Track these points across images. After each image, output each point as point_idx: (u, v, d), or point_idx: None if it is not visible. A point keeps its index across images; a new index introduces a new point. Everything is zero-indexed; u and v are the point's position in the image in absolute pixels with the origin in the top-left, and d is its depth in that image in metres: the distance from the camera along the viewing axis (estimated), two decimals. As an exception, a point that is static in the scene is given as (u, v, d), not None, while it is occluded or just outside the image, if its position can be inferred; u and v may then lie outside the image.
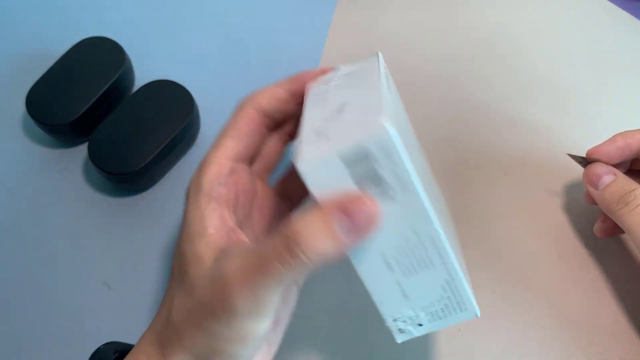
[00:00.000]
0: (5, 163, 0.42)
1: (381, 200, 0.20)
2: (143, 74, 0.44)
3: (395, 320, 0.25)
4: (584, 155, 0.35)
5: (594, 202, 0.34)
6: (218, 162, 0.25)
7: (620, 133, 0.34)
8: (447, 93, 0.44)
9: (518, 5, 0.49)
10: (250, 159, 0.28)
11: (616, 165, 0.34)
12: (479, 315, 0.25)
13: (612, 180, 0.32)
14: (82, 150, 0.42)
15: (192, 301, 0.22)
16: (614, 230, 0.34)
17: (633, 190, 0.31)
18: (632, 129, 0.34)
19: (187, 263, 0.23)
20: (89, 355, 0.35)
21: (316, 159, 0.20)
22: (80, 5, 0.49)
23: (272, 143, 0.30)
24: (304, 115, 0.23)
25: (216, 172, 0.25)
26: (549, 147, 0.41)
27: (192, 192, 0.25)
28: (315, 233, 0.19)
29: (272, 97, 0.27)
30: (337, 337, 0.34)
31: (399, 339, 0.26)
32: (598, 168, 0.33)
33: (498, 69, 0.46)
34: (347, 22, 0.49)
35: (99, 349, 0.28)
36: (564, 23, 0.48)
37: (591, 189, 0.33)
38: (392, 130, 0.19)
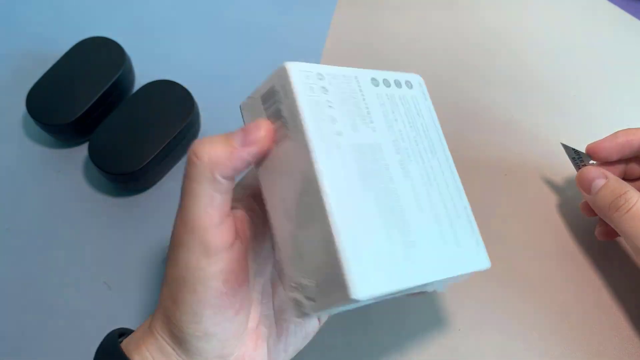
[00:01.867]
0: (6, 163, 0.42)
1: (280, 136, 0.22)
2: (143, 74, 0.44)
3: (292, 288, 0.21)
4: (576, 148, 0.35)
5: (591, 213, 0.34)
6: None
7: (622, 130, 0.34)
8: (446, 93, 0.44)
9: (518, 5, 0.49)
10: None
11: (614, 163, 0.34)
12: (359, 298, 0.18)
13: (603, 184, 0.32)
14: (82, 150, 0.42)
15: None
16: (615, 232, 0.34)
17: (623, 194, 0.30)
18: (634, 127, 0.34)
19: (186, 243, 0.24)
20: (88, 355, 0.35)
21: (247, 100, 0.24)
22: (81, 5, 0.49)
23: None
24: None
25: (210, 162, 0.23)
26: (549, 147, 0.41)
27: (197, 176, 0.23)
28: (213, 142, 0.23)
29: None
30: (335, 335, 0.34)
31: (293, 314, 0.22)
32: (589, 172, 0.33)
33: (498, 68, 0.46)
34: (347, 22, 0.49)
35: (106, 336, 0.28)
36: (564, 23, 0.48)
37: (585, 194, 0.33)
38: (293, 70, 0.21)
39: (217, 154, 0.22)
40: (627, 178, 0.35)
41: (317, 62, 0.46)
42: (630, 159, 0.35)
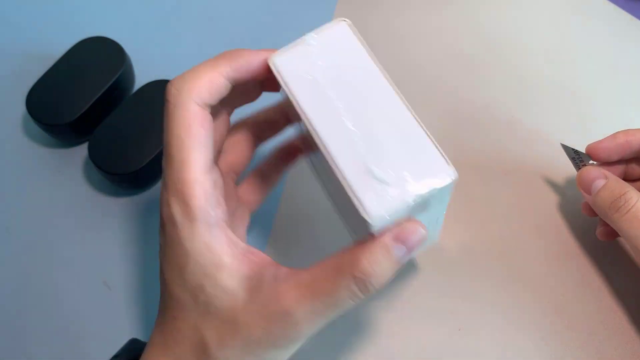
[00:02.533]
0: (6, 163, 0.42)
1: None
2: (143, 74, 0.44)
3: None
4: (576, 149, 0.35)
5: (592, 213, 0.34)
6: (199, 181, 0.23)
7: (622, 130, 0.33)
8: (446, 93, 0.44)
9: (518, 5, 0.49)
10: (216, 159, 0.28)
11: (614, 163, 0.34)
12: (377, 225, 0.22)
13: (603, 185, 0.31)
14: (82, 150, 0.42)
15: (243, 339, 0.22)
16: (615, 233, 0.34)
17: (623, 195, 0.30)
18: (633, 128, 0.34)
19: (214, 297, 0.22)
20: (88, 355, 0.35)
21: (387, 210, 0.22)
22: (81, 5, 0.49)
23: (233, 137, 0.30)
24: (323, 139, 0.23)
25: (202, 194, 0.23)
26: (549, 146, 0.41)
27: (181, 221, 0.22)
28: (383, 270, 0.22)
29: (213, 88, 0.24)
30: (335, 335, 0.34)
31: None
32: (589, 172, 0.32)
33: (497, 68, 0.46)
34: (347, 22, 0.48)
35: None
36: (564, 23, 0.48)
37: (585, 195, 0.33)
38: (454, 176, 0.23)
39: (389, 277, 0.22)
40: (627, 178, 0.35)
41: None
42: (630, 159, 0.35)
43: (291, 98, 0.23)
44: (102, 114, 0.41)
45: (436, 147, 0.23)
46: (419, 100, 0.44)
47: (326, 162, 0.23)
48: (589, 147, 0.34)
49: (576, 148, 0.35)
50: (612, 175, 0.32)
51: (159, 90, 0.41)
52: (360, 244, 0.22)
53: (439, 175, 0.22)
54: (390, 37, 0.48)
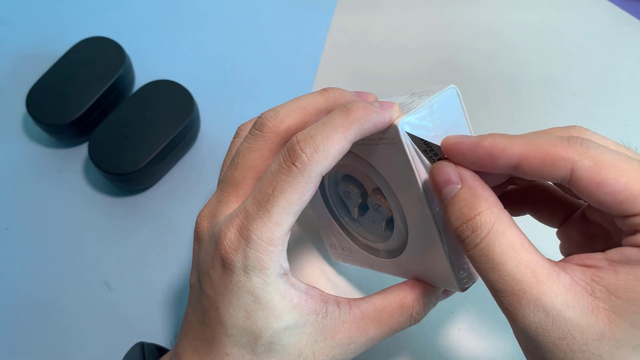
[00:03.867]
0: (6, 163, 0.42)
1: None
2: (143, 74, 0.44)
3: None
4: (425, 139, 0.23)
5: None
6: (282, 240, 0.23)
7: (496, 135, 0.21)
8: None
9: (518, 4, 0.49)
10: None
11: (491, 176, 0.23)
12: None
13: (453, 195, 0.21)
14: (82, 150, 0.42)
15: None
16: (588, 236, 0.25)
17: (474, 217, 0.20)
18: (627, 131, 0.28)
19: (282, 336, 0.24)
20: (88, 355, 0.35)
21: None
22: (81, 5, 0.49)
23: None
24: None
25: (280, 250, 0.23)
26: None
27: (254, 272, 0.23)
28: (428, 312, 0.27)
29: (338, 158, 0.23)
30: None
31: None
32: (442, 170, 0.22)
33: (498, 68, 0.46)
34: (347, 22, 0.49)
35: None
36: (564, 23, 0.48)
37: (437, 198, 0.23)
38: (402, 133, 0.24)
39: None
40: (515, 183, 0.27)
41: (317, 61, 0.46)
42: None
43: (413, 166, 0.23)
44: (102, 114, 0.41)
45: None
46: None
47: (422, 230, 0.25)
48: (444, 141, 0.23)
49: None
50: (470, 179, 0.22)
51: (159, 90, 0.41)
52: (416, 286, 0.27)
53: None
54: (389, 37, 0.48)
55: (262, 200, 0.22)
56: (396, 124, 0.23)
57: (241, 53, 0.47)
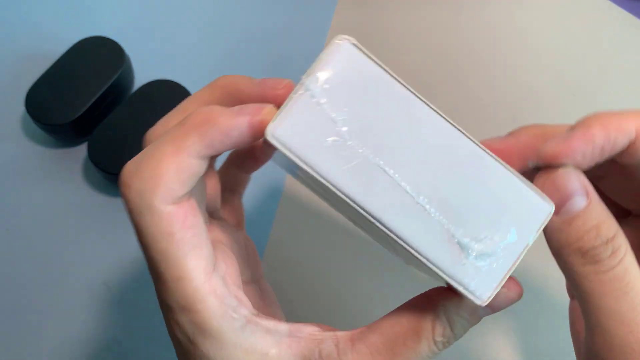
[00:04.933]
0: (5, 163, 0.42)
1: None
2: (143, 74, 0.44)
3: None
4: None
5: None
6: (205, 292, 0.19)
7: (595, 117, 0.19)
8: (447, 93, 0.44)
9: (518, 4, 0.49)
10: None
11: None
12: None
13: (583, 208, 0.19)
14: (81, 150, 0.42)
15: None
16: None
17: (611, 240, 0.19)
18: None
19: None
20: (89, 355, 0.35)
21: (494, 282, 0.18)
22: (80, 4, 0.49)
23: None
24: (382, 219, 0.18)
25: (215, 304, 0.19)
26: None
27: (202, 341, 0.19)
28: (466, 331, 0.20)
29: (183, 176, 0.18)
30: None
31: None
32: (568, 180, 0.19)
33: (498, 68, 0.45)
34: (347, 22, 0.48)
35: None
36: (564, 22, 0.48)
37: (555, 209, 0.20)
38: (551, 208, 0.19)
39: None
40: None
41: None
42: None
43: (318, 178, 0.17)
44: (102, 114, 0.41)
45: (519, 178, 0.18)
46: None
47: (387, 236, 0.18)
48: (549, 150, 0.20)
49: None
50: (596, 196, 0.19)
51: (158, 90, 0.41)
52: (437, 297, 0.20)
53: (535, 214, 0.18)
54: (390, 37, 0.47)
55: (148, 263, 0.19)
56: (265, 133, 0.17)
57: (241, 53, 0.47)
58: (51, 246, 0.38)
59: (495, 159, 0.18)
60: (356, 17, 0.49)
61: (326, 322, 0.21)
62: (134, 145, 0.38)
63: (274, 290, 0.26)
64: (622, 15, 0.48)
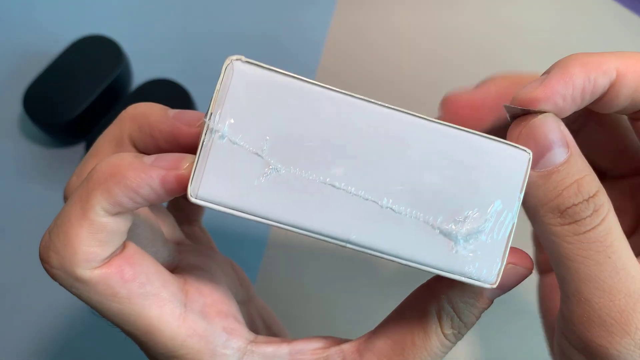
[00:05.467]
0: (2, 162, 0.41)
1: None
2: (141, 73, 0.44)
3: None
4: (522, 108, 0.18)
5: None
6: (182, 336, 0.18)
7: (573, 57, 0.18)
8: (447, 92, 0.44)
9: (520, 4, 0.49)
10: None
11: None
12: None
13: (563, 161, 0.17)
14: (79, 150, 0.42)
15: None
16: None
17: (593, 197, 0.17)
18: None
19: None
20: (88, 355, 0.35)
21: (496, 264, 0.16)
22: (78, 3, 0.49)
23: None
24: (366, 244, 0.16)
25: (201, 342, 0.18)
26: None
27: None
28: (477, 317, 0.19)
29: (101, 238, 0.17)
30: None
31: None
32: (547, 128, 0.17)
33: (499, 68, 0.45)
34: (347, 22, 0.48)
35: None
36: (565, 21, 0.48)
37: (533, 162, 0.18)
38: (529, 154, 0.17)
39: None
40: None
41: (317, 61, 0.46)
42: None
43: (265, 222, 0.16)
44: (100, 114, 0.40)
45: (483, 136, 0.16)
46: (420, 100, 0.43)
47: (364, 253, 0.16)
48: (524, 95, 0.18)
49: None
50: (577, 149, 0.17)
51: (157, 89, 0.41)
52: (440, 286, 0.18)
53: (513, 167, 0.16)
54: (390, 37, 0.47)
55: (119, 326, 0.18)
56: (188, 196, 0.15)
57: (240, 52, 0.46)
58: (48, 246, 0.38)
59: (448, 125, 0.16)
60: (356, 17, 0.49)
61: (329, 329, 0.21)
62: (132, 145, 0.38)
63: (273, 301, 0.26)
64: (623, 14, 0.48)
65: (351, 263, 0.37)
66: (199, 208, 0.27)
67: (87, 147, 0.38)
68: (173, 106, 0.40)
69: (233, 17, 0.49)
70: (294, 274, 0.37)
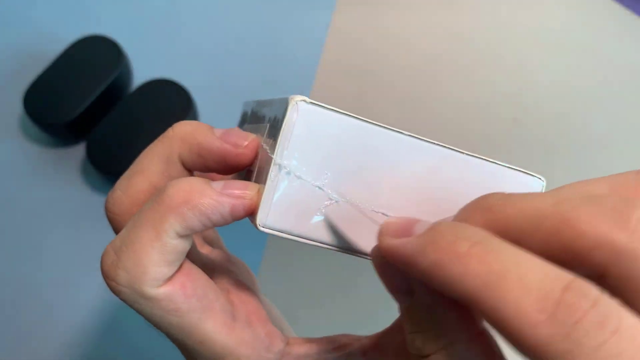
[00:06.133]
0: (2, 163, 0.41)
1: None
2: (141, 73, 0.44)
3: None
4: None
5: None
6: (235, 351, 0.19)
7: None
8: (447, 93, 0.44)
9: (519, 4, 0.49)
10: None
11: None
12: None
13: (407, 307, 0.16)
14: (79, 149, 0.42)
15: None
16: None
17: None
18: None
19: None
20: (90, 355, 0.35)
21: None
22: (78, 3, 0.49)
23: None
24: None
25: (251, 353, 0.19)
26: (550, 146, 0.41)
27: None
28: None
29: (168, 258, 0.17)
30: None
31: None
32: (388, 274, 0.17)
33: (499, 68, 0.45)
34: (347, 22, 0.48)
35: None
36: (565, 21, 0.48)
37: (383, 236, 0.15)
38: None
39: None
40: None
41: (317, 61, 0.46)
42: None
43: (328, 247, 0.17)
44: (100, 114, 0.40)
45: (501, 164, 0.19)
46: (420, 100, 0.43)
47: None
48: (381, 231, 0.15)
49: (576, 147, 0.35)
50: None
51: (157, 89, 0.41)
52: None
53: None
54: (389, 37, 0.47)
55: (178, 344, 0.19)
56: (257, 225, 0.17)
57: (240, 53, 0.47)
58: (48, 246, 0.38)
59: (477, 157, 0.18)
60: (356, 17, 0.49)
61: (329, 328, 0.21)
62: (132, 144, 0.38)
63: (273, 301, 0.26)
64: (623, 13, 0.48)
65: (351, 263, 0.37)
66: None
67: (87, 147, 0.38)
68: (173, 106, 0.40)
69: (233, 17, 0.49)
70: (293, 274, 0.37)
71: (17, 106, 0.43)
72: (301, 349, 0.20)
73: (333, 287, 0.36)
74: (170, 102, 0.40)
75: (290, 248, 0.37)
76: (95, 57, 0.42)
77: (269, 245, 0.38)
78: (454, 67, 0.45)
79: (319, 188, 0.17)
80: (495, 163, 0.18)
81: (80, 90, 0.40)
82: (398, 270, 0.15)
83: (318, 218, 0.17)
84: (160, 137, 0.20)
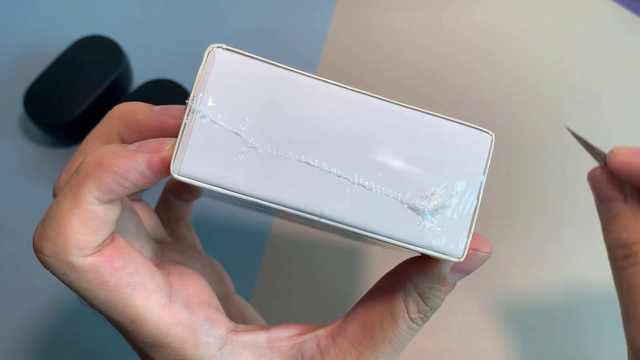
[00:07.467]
0: (3, 163, 0.41)
1: None
2: (141, 73, 0.44)
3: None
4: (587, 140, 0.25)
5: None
6: (179, 324, 0.18)
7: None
8: (447, 93, 0.44)
9: (520, 4, 0.49)
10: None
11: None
12: None
13: (618, 213, 0.23)
14: (79, 149, 0.42)
15: None
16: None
17: (633, 244, 0.22)
18: (634, 127, 0.32)
19: None
20: (90, 355, 0.35)
21: (462, 236, 0.17)
22: (78, 3, 0.49)
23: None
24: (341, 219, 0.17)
25: (192, 336, 0.19)
26: (551, 146, 0.41)
27: None
28: (442, 300, 0.20)
29: (94, 225, 0.17)
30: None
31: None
32: (606, 185, 0.24)
33: (499, 68, 0.45)
34: (347, 22, 0.48)
35: None
36: (565, 21, 0.48)
37: (597, 205, 0.24)
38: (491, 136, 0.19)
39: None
40: None
41: (317, 61, 0.46)
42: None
43: (244, 197, 0.16)
44: (100, 114, 0.40)
45: (448, 119, 0.18)
46: (420, 100, 0.43)
47: (336, 228, 0.17)
48: (614, 151, 0.23)
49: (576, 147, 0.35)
50: (634, 202, 0.23)
51: (157, 89, 0.41)
52: (407, 269, 0.19)
53: (477, 147, 0.18)
54: (390, 37, 0.47)
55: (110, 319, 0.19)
56: (171, 173, 0.16)
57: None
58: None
59: (414, 108, 0.17)
60: (356, 17, 0.49)
61: (326, 318, 0.21)
62: (132, 144, 0.38)
63: (273, 300, 0.26)
64: (624, 14, 0.48)
65: (351, 262, 0.37)
66: (186, 207, 0.28)
67: (88, 147, 0.38)
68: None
69: (233, 17, 0.49)
70: (293, 274, 0.37)
71: (17, 106, 0.43)
72: (248, 337, 0.19)
73: (333, 287, 0.36)
74: (170, 103, 0.40)
75: (290, 248, 0.37)
76: (95, 57, 0.42)
77: (269, 245, 0.38)
78: (455, 66, 0.45)
79: (237, 134, 0.16)
80: (439, 116, 0.17)
81: (80, 90, 0.40)
82: (617, 183, 0.23)
83: (236, 166, 0.16)
84: (102, 119, 0.20)
